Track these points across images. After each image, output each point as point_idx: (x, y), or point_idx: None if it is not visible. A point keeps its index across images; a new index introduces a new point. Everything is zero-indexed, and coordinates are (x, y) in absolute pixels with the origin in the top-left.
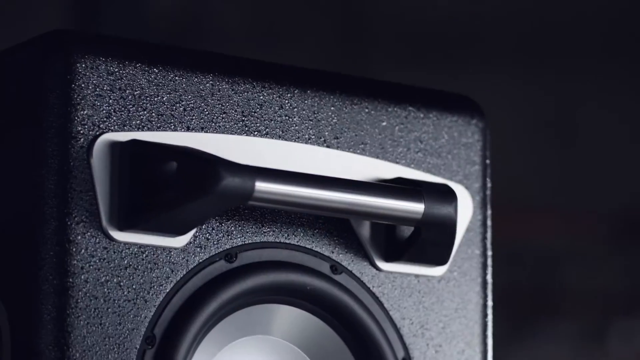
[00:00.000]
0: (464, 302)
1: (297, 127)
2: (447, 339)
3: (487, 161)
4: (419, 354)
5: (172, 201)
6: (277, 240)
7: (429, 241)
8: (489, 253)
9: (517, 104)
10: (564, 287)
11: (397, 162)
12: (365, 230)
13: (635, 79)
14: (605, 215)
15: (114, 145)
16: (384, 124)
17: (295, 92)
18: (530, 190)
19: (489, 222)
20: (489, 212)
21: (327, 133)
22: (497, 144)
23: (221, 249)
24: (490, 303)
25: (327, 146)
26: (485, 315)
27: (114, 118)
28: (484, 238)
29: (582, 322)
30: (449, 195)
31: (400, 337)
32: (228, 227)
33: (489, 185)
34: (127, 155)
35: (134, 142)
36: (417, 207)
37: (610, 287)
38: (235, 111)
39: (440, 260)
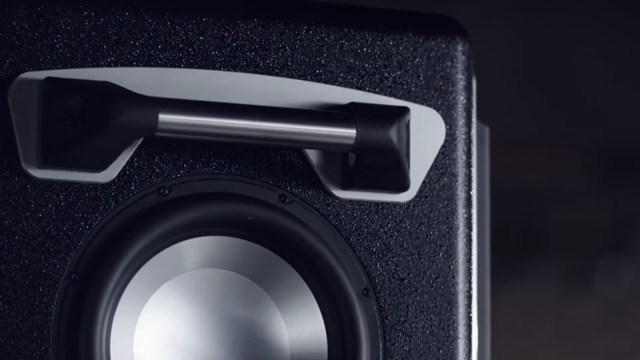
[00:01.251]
0: (435, 231)
1: (243, 57)
2: (416, 269)
3: (472, 83)
4: (382, 284)
5: (80, 137)
6: (219, 171)
7: (376, 167)
8: (471, 181)
9: (505, 39)
10: (550, 225)
11: (354, 88)
12: (319, 158)
13: (621, 21)
14: (592, 152)
15: (31, 84)
16: (342, 48)
17: (239, 21)
18: (516, 126)
19: (473, 149)
20: (472, 136)
21: (276, 61)
22: (481, 78)
23: (154, 183)
24: (472, 235)
25: (277, 74)
26: (467, 245)
27: (32, 57)
28: (466, 165)
29: (568, 260)
30: (387, 119)
31: (362, 267)
32: (163, 160)
33: (473, 108)
34: (42, 94)
35: (48, 80)
36: (348, 133)
37: (596, 224)
38: (173, 43)
39: (399, 186)
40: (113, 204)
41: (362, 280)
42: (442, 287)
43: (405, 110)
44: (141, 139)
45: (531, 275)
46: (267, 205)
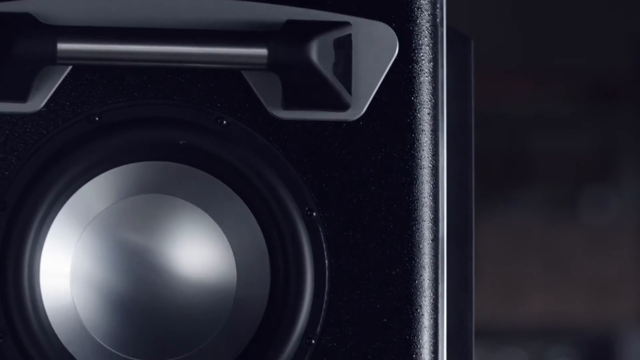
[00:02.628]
0: (387, 150)
1: None
2: (365, 190)
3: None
4: (328, 205)
5: None
6: (153, 96)
7: (301, 86)
8: (437, 99)
9: None
10: (535, 153)
11: (296, 4)
12: (258, 80)
13: None
14: (577, 80)
15: None
16: None
17: None
18: (500, 53)
19: (440, 65)
20: (439, 52)
21: None
22: (467, 8)
23: (83, 111)
24: (441, 156)
25: None
26: (431, 168)
27: None
28: (429, 82)
29: (553, 188)
30: (306, 36)
31: (306, 187)
32: (92, 87)
33: (440, 23)
34: None
35: None
36: (259, 52)
37: (581, 153)
38: None
39: (337, 104)
40: (41, 133)
41: (305, 201)
42: (395, 207)
43: (338, 25)
44: (68, 68)
45: (516, 204)
46: (201, 128)
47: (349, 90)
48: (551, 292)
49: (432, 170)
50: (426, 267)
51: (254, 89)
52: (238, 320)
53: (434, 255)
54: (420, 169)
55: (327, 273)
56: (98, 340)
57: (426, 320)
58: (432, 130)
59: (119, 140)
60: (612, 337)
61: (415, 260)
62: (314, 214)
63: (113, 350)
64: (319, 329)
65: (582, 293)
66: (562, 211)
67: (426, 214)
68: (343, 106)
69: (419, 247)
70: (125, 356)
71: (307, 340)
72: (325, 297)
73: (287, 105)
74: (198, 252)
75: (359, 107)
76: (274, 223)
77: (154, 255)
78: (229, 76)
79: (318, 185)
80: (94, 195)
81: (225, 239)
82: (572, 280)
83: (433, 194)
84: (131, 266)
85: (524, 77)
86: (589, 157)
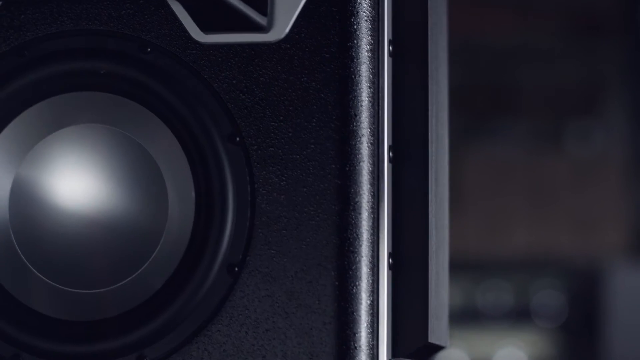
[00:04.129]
0: (312, 72)
1: None
2: (286, 113)
3: None
4: (249, 129)
5: None
6: (75, 27)
7: (204, 6)
8: (380, 24)
9: None
10: (520, 85)
11: None
12: (181, 5)
13: None
14: (563, 11)
15: None
16: None
17: None
18: None
19: None
20: None
21: None
22: None
23: (10, 46)
24: (383, 85)
25: None
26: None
27: None
28: (369, 5)
29: (538, 121)
30: None
31: (228, 112)
32: (19, 21)
33: None
34: None
35: None
36: None
37: (567, 85)
38: None
39: (253, 26)
40: None
41: (227, 126)
42: (319, 130)
43: None
44: None
45: (501, 136)
46: (124, 57)
47: (264, 10)
48: (536, 225)
49: (370, 93)
50: (362, 195)
51: (178, 15)
52: (168, 249)
53: (370, 183)
54: (355, 94)
55: (250, 199)
56: (33, 270)
57: (362, 255)
58: (370, 50)
59: (46, 72)
60: (597, 269)
61: (348, 187)
62: (237, 139)
63: (48, 280)
64: (241, 258)
65: (567, 226)
66: (547, 144)
67: (363, 140)
68: (258, 27)
69: (351, 175)
70: (59, 286)
71: (230, 269)
72: (248, 224)
73: (205, 29)
74: (131, 181)
75: (281, 28)
76: (197, 149)
77: (88, 184)
78: (152, 4)
79: (243, 111)
80: (25, 130)
81: (158, 167)
82: (557, 213)
83: (369, 119)
84: (66, 197)
85: (510, 9)
86: (574, 90)
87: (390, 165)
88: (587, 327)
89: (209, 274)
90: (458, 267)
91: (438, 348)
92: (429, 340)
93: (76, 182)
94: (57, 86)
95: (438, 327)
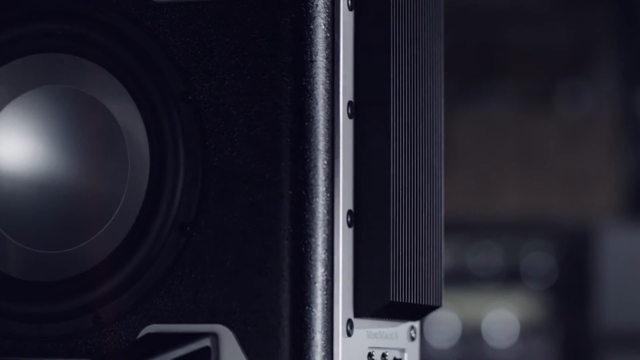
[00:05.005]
0: (262, 26)
1: None
2: (238, 70)
3: None
4: (201, 87)
5: None
6: None
7: None
8: None
9: None
10: (509, 45)
11: None
12: None
13: None
14: None
15: None
16: None
17: None
18: None
19: None
20: None
21: None
22: None
23: None
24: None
25: None
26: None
27: None
28: None
29: (528, 81)
30: None
31: (180, 70)
32: None
33: None
34: None
35: None
36: None
37: (556, 46)
38: None
39: None
40: None
41: (180, 85)
42: (271, 86)
43: None
44: None
45: (490, 96)
46: (79, 18)
47: None
48: (526, 186)
49: (326, 47)
50: (315, 151)
51: None
52: (126, 210)
53: (325, 139)
54: (310, 48)
55: (201, 158)
56: None
57: (315, 212)
58: (325, 2)
59: (6, 35)
60: (587, 230)
61: (302, 143)
62: (189, 97)
63: (9, 238)
64: (193, 217)
65: (557, 187)
66: (537, 104)
67: (318, 95)
68: None
69: (305, 131)
70: (20, 244)
71: (183, 228)
72: (200, 184)
73: None
74: (93, 142)
75: None
76: (151, 108)
77: (52, 145)
78: None
79: (194, 69)
80: None
81: (119, 128)
82: (547, 174)
83: (327, 71)
84: (30, 158)
85: None
86: (564, 51)
87: (350, 120)
88: (578, 289)
89: (161, 234)
90: (448, 228)
91: (426, 308)
92: (392, 299)
93: (39, 144)
94: (16, 50)
95: (413, 286)
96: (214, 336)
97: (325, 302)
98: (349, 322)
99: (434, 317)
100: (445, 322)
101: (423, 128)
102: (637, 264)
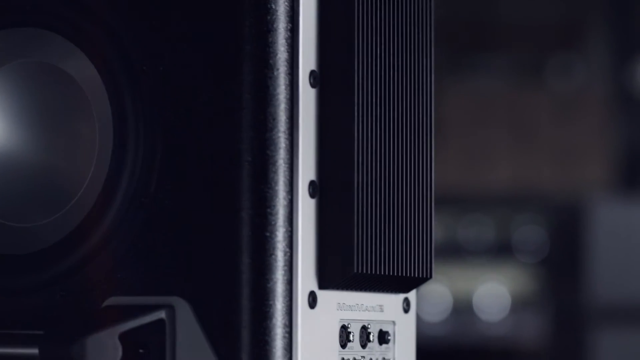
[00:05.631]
0: None
1: None
2: (191, 38)
3: None
4: (158, 59)
5: None
6: None
7: None
8: None
9: None
10: (501, 19)
11: None
12: None
13: None
14: None
15: None
16: None
17: None
18: None
19: None
20: None
21: None
22: None
23: None
24: None
25: None
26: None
27: None
28: None
29: (520, 55)
30: None
31: (139, 41)
32: None
33: None
34: None
35: None
36: None
37: (548, 20)
38: None
39: None
40: None
41: (140, 57)
42: (226, 55)
43: None
44: None
45: (482, 70)
46: None
47: None
48: (517, 160)
49: (285, 12)
50: (273, 121)
51: None
52: (93, 183)
53: (284, 109)
54: (269, 17)
55: (161, 132)
56: None
57: (273, 182)
58: None
59: None
60: (579, 204)
61: (259, 113)
62: (144, 67)
63: None
64: (152, 192)
65: (548, 160)
66: (528, 78)
67: (278, 61)
68: None
69: (262, 100)
70: None
71: (142, 203)
72: (159, 157)
73: None
74: (64, 116)
75: None
76: (113, 80)
77: (21, 119)
78: None
79: (150, 39)
80: None
81: (88, 101)
82: (538, 147)
83: (287, 39)
84: (3, 131)
85: None
86: (555, 24)
87: (313, 90)
88: (569, 262)
89: (122, 209)
90: (439, 202)
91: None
92: (356, 271)
93: (7, 119)
94: None
95: (385, 257)
96: (170, 308)
97: (284, 273)
98: (311, 294)
99: (425, 290)
100: (436, 295)
101: (400, 99)
102: (628, 237)
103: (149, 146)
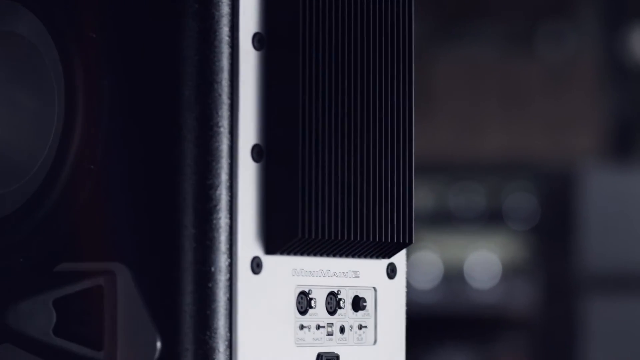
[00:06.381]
0: None
1: None
2: (138, 2)
3: None
4: (105, 25)
5: None
6: None
7: None
8: None
9: None
10: None
11: None
12: None
13: None
14: None
15: None
16: None
17: None
18: None
19: None
20: None
21: None
22: None
23: None
24: None
25: None
26: None
27: None
28: None
29: (510, 22)
30: None
31: (88, 12)
32: None
33: None
34: None
35: None
36: None
37: None
38: None
39: None
40: None
41: (89, 26)
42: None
43: None
44: None
45: (472, 38)
46: None
47: None
48: (509, 127)
49: None
50: (212, 83)
51: None
52: (52, 150)
53: (226, 69)
54: None
55: (107, 98)
56: None
57: (213, 146)
58: None
59: None
60: (570, 172)
61: (199, 73)
62: (94, 35)
63: None
64: (99, 157)
65: (540, 128)
66: (519, 46)
67: (220, 24)
68: None
69: (203, 63)
70: None
71: (90, 168)
72: (104, 126)
73: None
74: (24, 81)
75: None
76: (62, 46)
77: None
78: None
79: (100, 11)
80: None
81: (46, 67)
82: (530, 116)
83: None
84: None
85: None
86: None
87: (258, 52)
88: (560, 230)
89: (72, 177)
90: (430, 169)
91: (390, 245)
92: (301, 235)
93: None
94: None
95: (340, 221)
96: (111, 274)
97: (226, 239)
98: (255, 260)
99: (415, 258)
100: (427, 263)
101: (361, 61)
102: (619, 205)
103: (96, 115)
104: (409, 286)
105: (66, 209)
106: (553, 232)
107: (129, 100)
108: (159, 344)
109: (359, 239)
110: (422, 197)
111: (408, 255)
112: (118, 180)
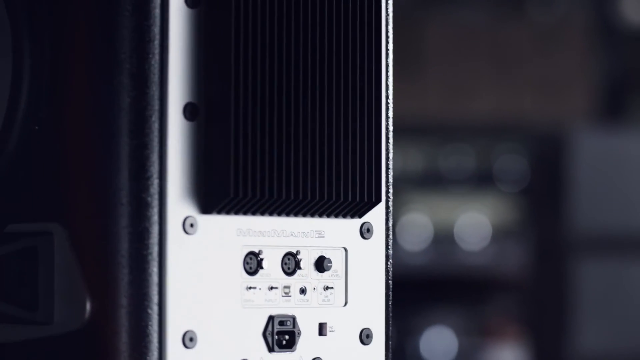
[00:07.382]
0: None
1: None
2: None
3: None
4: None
5: None
6: None
7: None
8: None
9: None
10: None
11: None
12: None
13: None
14: None
15: None
16: None
17: None
18: None
19: None
20: None
21: None
22: None
23: None
24: None
25: None
26: None
27: None
28: None
29: None
30: None
31: None
32: None
33: None
34: None
35: None
36: None
37: None
38: None
39: None
40: None
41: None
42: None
43: None
44: None
45: (462, 1)
46: None
47: None
48: (499, 89)
49: None
50: (148, 40)
51: None
52: (1, 109)
53: (159, 27)
54: None
55: (50, 58)
56: None
57: (143, 105)
58: None
59: None
60: (560, 133)
61: (133, 31)
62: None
63: None
64: (42, 116)
65: (530, 90)
66: (509, 8)
67: None
68: None
69: (134, 22)
70: None
71: (34, 128)
72: (46, 84)
73: None
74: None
75: None
76: (14, 19)
77: None
78: None
79: None
80: None
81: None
82: (520, 78)
83: None
84: None
85: None
86: None
87: (191, 10)
88: (550, 192)
89: (20, 136)
90: (419, 131)
91: (357, 205)
92: (233, 195)
93: None
94: None
95: (283, 181)
96: (48, 235)
97: (156, 199)
98: (188, 219)
99: (405, 219)
100: (417, 224)
101: (315, 13)
102: (609, 167)
103: (39, 74)
104: (398, 248)
105: (15, 169)
106: (543, 194)
107: (65, 60)
108: (90, 305)
109: (301, 197)
110: (412, 159)
111: (397, 217)
112: (58, 140)
